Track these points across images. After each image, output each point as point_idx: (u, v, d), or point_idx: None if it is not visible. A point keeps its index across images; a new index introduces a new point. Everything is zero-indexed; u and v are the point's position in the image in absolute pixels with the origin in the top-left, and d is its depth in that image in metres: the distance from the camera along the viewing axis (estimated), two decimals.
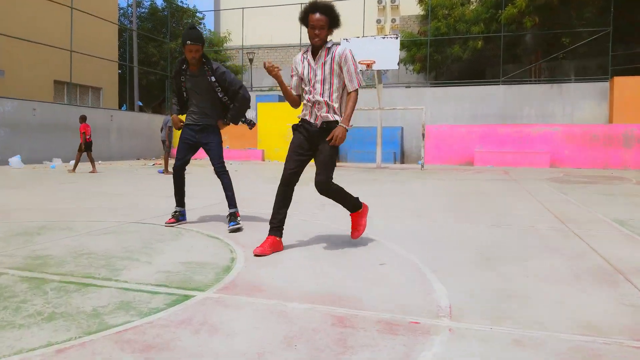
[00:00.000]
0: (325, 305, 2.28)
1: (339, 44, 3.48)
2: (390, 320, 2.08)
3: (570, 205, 6.22)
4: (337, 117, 3.34)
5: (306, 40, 24.99)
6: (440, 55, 21.16)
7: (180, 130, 4.43)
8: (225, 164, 4.44)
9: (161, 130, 12.10)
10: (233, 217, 4.21)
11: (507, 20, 18.48)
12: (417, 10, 24.40)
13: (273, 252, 3.29)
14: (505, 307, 2.27)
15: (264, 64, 3.33)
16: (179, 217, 4.44)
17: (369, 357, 1.73)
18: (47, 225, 4.39)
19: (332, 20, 3.28)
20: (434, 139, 18.26)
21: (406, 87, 22.12)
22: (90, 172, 11.63)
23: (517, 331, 1.97)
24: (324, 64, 3.30)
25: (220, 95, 4.32)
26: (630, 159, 16.59)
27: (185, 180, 4.57)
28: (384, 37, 13.14)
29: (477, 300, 2.37)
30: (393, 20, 26.59)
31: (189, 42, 4.11)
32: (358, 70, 3.35)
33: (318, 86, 3.32)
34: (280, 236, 3.41)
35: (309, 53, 3.39)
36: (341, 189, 3.44)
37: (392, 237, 3.94)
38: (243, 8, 22.85)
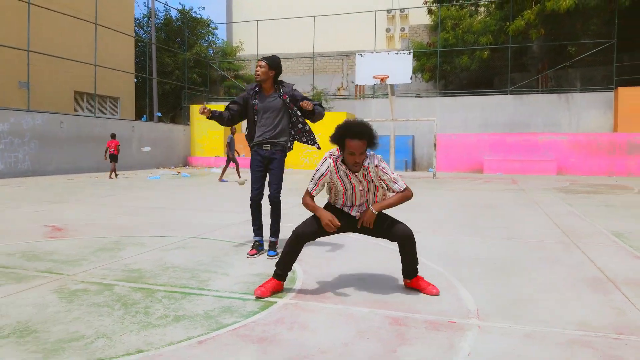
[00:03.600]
0: (381, 309, 2.97)
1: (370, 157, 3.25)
2: (434, 321, 2.77)
3: (574, 217, 6.88)
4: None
5: (317, 49, 25.80)
6: (449, 65, 21.85)
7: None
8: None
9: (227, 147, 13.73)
10: (273, 246, 4.46)
11: (515, 32, 19.14)
12: (426, 20, 25.11)
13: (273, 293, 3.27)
14: (517, 311, 2.95)
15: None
16: (259, 247, 4.51)
17: (422, 346, 2.42)
18: (119, 241, 5.11)
19: (370, 141, 3.11)
20: (445, 147, 18.92)
21: (416, 96, 22.81)
22: (109, 178, 14.67)
23: (527, 328, 2.66)
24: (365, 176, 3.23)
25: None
26: (634, 166, 17.18)
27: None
28: (397, 53, 13.87)
29: (497, 305, 3.05)
30: (402, 29, 27.29)
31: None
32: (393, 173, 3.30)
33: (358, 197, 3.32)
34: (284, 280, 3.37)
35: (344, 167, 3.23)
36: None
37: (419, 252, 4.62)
38: (257, 20, 23.64)
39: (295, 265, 4.05)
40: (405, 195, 3.26)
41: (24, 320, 2.78)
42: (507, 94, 19.68)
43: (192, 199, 9.10)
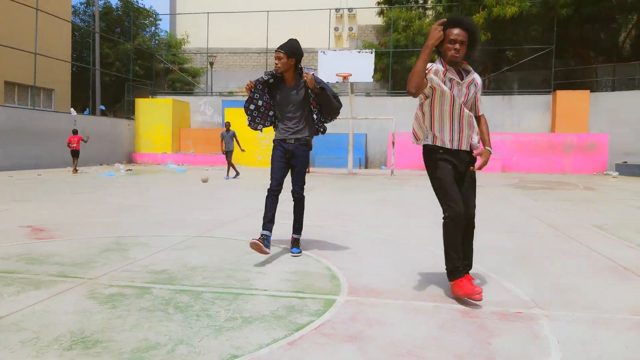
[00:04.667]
0: (443, 303, 3.02)
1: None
2: (501, 312, 2.86)
3: (547, 211, 7.32)
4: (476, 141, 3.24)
5: (264, 45, 25.51)
6: (399, 66, 22.42)
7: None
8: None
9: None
10: (297, 243, 4.35)
11: None
12: (374, 20, 25.61)
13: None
14: (567, 299, 3.11)
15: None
16: (264, 241, 4.06)
17: (510, 337, 2.49)
18: (118, 241, 4.81)
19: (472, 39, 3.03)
20: (397, 146, 19.38)
21: (366, 95, 23.19)
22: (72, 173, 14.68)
23: (589, 315, 2.81)
24: (469, 85, 3.14)
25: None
26: (569, 164, 18.51)
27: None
28: (359, 51, 14.03)
29: (545, 295, 3.19)
30: (350, 29, 27.64)
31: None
32: None
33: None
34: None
35: (448, 68, 3.09)
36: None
37: (430, 244, 4.74)
38: (208, 13, 23.02)
39: (328, 263, 4.02)
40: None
41: (76, 330, 2.56)
42: None
43: (169, 197, 8.73)
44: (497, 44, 21.48)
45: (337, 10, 27.35)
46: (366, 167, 20.48)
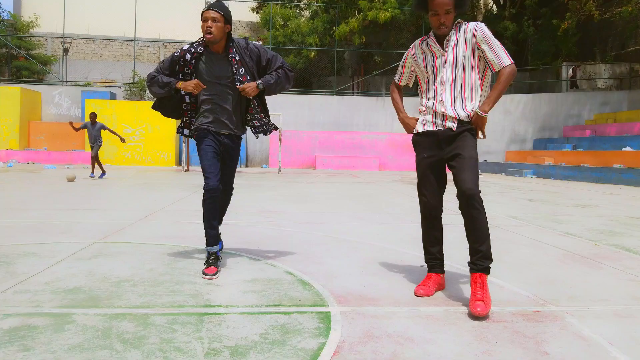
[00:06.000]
0: (448, 306, 2.62)
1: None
2: (520, 312, 2.53)
3: (454, 204, 7.45)
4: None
5: (129, 34, 23.23)
6: None
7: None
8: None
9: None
10: (217, 260, 3.31)
11: (340, 37, 20.33)
12: (248, 16, 24.91)
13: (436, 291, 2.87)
14: (565, 292, 2.91)
15: None
16: (218, 262, 3.31)
17: (558, 343, 2.16)
18: None
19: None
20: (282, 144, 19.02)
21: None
22: None
23: (606, 308, 2.62)
24: (457, 42, 2.68)
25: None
26: None
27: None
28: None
29: (538, 288, 2.96)
30: None
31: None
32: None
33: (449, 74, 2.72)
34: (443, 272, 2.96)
35: (429, 36, 2.80)
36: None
37: (390, 241, 4.37)
38: None
39: (286, 267, 3.38)
40: (513, 72, 2.59)
41: None
42: (333, 95, 20.78)
43: (35, 197, 7.14)
44: (369, 48, 22.29)
45: (206, 2, 26.09)
46: (247, 166, 19.74)
